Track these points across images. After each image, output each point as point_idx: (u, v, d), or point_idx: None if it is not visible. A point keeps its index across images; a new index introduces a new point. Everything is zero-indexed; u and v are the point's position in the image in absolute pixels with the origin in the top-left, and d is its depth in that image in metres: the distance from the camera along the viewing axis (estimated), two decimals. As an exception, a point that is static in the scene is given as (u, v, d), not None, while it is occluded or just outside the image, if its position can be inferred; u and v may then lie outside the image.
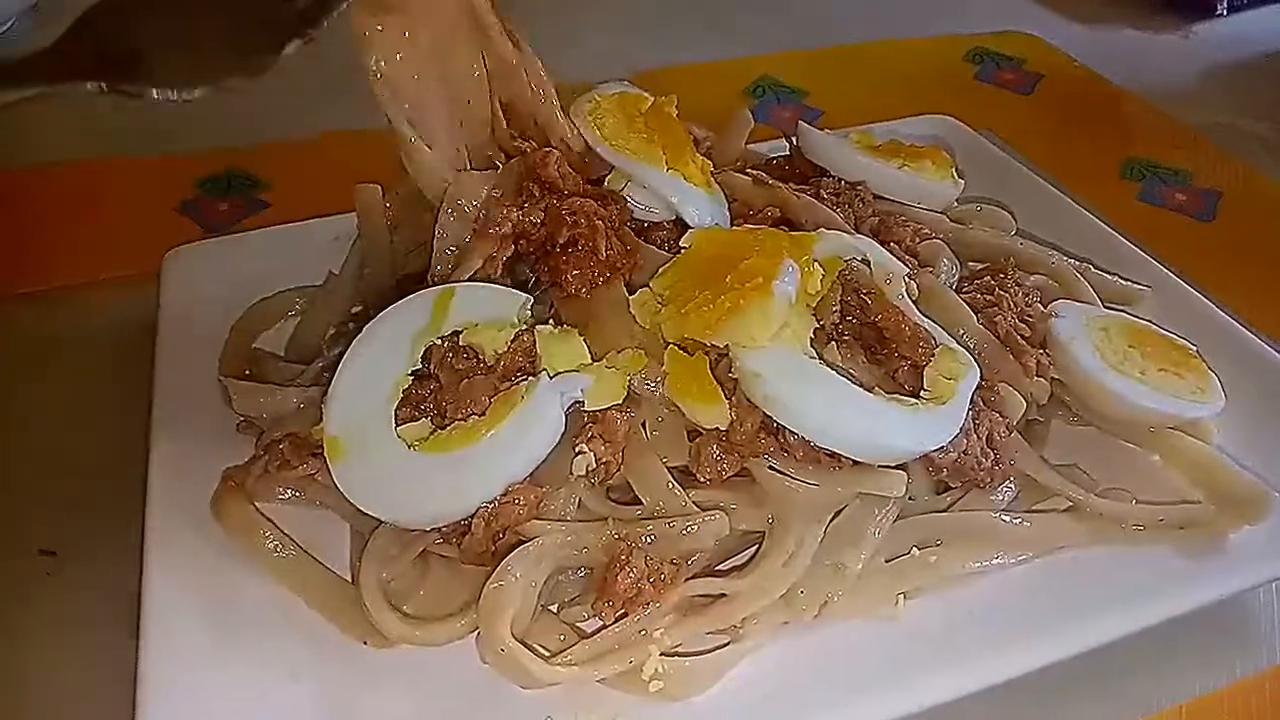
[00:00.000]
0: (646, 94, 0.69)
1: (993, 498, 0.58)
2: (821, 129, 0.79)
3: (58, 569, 0.61)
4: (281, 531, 0.56)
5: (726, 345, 0.54)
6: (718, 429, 0.55)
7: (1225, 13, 1.32)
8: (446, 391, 0.54)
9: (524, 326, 0.57)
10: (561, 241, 0.59)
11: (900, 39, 1.26)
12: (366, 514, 0.52)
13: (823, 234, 0.61)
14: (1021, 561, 0.57)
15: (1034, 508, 0.59)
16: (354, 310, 0.69)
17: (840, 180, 0.74)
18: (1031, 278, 0.70)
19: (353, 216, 0.70)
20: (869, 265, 0.61)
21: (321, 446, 0.53)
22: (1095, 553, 0.57)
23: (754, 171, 0.72)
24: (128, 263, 0.83)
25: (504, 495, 0.51)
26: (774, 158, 0.80)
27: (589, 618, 0.53)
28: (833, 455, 0.54)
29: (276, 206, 0.93)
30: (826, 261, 0.59)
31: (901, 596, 0.54)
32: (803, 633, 0.53)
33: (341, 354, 0.57)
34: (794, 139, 0.79)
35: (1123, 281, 0.73)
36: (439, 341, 0.56)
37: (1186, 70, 1.22)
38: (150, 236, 0.84)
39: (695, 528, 0.53)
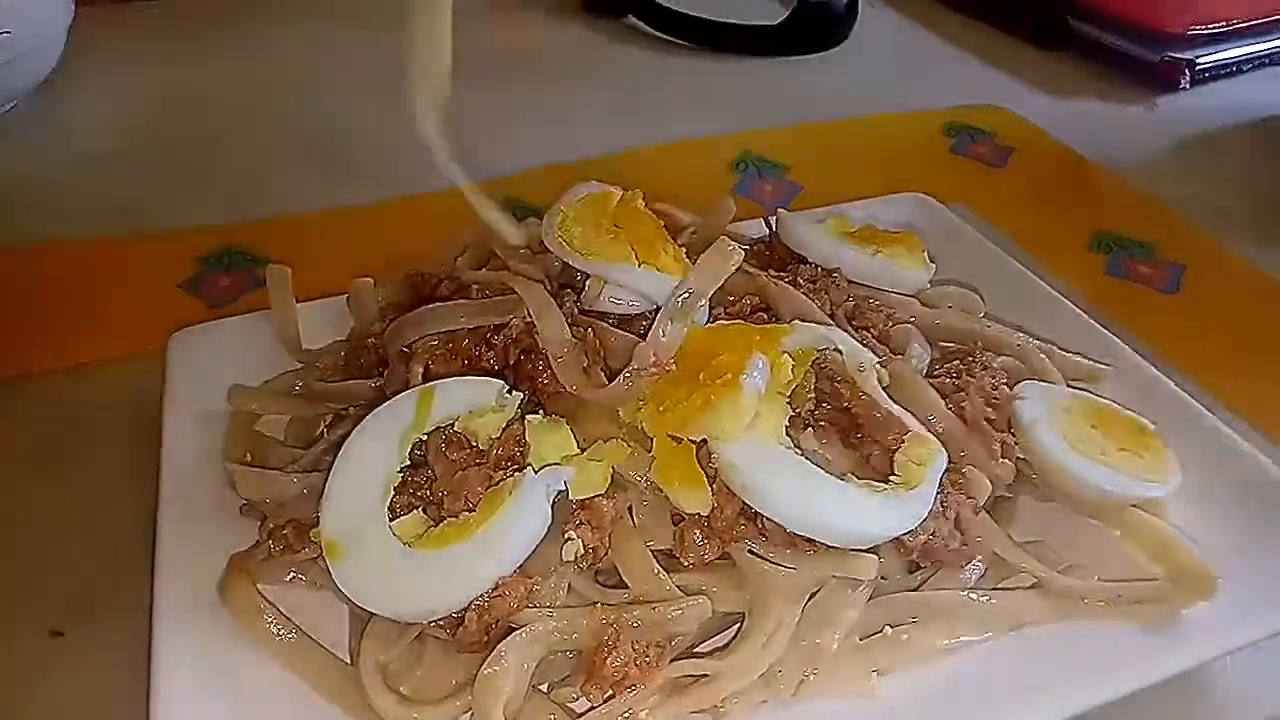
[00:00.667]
0: (615, 189, 0.72)
1: (961, 576, 0.61)
2: (802, 204, 0.83)
3: (66, 650, 0.63)
4: (284, 615, 0.58)
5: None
6: (699, 514, 0.58)
7: (1188, 86, 1.36)
8: (442, 483, 0.57)
9: (515, 416, 0.60)
10: (514, 360, 0.64)
11: (878, 114, 1.30)
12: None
13: (795, 326, 0.65)
14: (989, 638, 0.59)
15: (1000, 584, 0.62)
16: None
17: (817, 267, 0.77)
18: (999, 359, 0.74)
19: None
20: (841, 353, 0.64)
21: (323, 533, 0.56)
22: (1058, 628, 0.60)
23: (734, 260, 0.75)
24: (133, 340, 0.84)
25: (495, 589, 0.54)
26: (754, 242, 0.84)
27: (578, 698, 0.55)
28: (808, 540, 0.57)
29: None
30: (798, 353, 0.63)
31: (875, 673, 0.57)
32: (780, 710, 0.55)
33: (342, 437, 0.60)
34: (773, 223, 0.83)
35: (1086, 361, 0.77)
36: (430, 434, 0.59)
37: (1151, 143, 1.26)
38: (155, 313, 0.86)
39: (680, 612, 0.56)
